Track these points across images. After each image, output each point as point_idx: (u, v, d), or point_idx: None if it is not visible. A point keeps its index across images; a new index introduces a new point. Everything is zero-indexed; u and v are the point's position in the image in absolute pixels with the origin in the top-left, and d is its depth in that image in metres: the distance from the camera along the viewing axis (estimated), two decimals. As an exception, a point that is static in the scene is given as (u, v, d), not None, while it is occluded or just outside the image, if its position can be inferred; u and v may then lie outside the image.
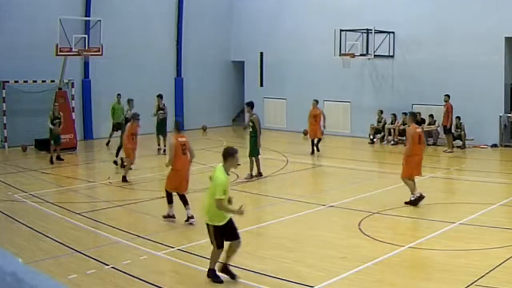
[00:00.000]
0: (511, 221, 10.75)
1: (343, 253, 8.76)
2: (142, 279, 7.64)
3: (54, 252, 8.92)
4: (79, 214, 11.39)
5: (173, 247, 9.11)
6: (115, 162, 17.02)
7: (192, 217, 10.42)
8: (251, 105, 15.45)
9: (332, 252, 8.89)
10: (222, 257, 7.60)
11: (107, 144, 21.17)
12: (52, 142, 17.99)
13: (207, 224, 7.58)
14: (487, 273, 7.56)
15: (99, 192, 14.08)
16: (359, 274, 7.69)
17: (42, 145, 20.41)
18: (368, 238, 9.53)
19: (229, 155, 7.54)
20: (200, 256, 8.59)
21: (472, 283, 7.21)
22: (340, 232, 10.17)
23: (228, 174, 7.59)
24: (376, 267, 8.04)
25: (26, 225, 10.58)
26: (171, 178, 10.68)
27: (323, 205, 12.12)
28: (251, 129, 15.14)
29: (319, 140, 19.94)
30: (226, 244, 7.61)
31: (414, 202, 11.67)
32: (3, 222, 10.96)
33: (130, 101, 18.67)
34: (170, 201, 10.76)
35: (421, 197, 11.69)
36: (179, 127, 11.31)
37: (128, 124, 15.21)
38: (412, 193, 11.74)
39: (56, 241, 9.48)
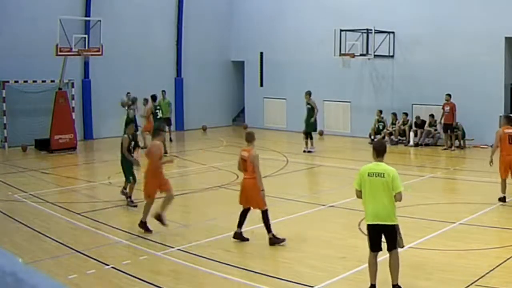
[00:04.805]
0: (511, 221, 10.75)
1: (343, 253, 8.76)
2: (142, 279, 7.63)
3: (54, 252, 8.93)
4: (79, 214, 11.39)
5: (173, 247, 9.11)
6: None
7: None
8: (309, 93, 20.24)
9: (332, 252, 8.89)
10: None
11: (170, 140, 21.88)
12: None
13: (392, 225, 6.85)
14: (487, 273, 7.56)
15: (99, 192, 14.09)
16: (359, 274, 7.68)
17: (42, 145, 20.44)
18: (368, 238, 9.50)
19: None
20: (200, 256, 8.60)
21: (472, 283, 7.21)
22: (340, 232, 10.16)
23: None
24: (376, 267, 8.03)
25: (26, 225, 10.58)
26: None
27: (323, 205, 12.12)
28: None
29: None
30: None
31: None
32: (3, 222, 10.96)
33: None
34: None
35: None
36: None
37: None
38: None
39: (56, 241, 9.48)
